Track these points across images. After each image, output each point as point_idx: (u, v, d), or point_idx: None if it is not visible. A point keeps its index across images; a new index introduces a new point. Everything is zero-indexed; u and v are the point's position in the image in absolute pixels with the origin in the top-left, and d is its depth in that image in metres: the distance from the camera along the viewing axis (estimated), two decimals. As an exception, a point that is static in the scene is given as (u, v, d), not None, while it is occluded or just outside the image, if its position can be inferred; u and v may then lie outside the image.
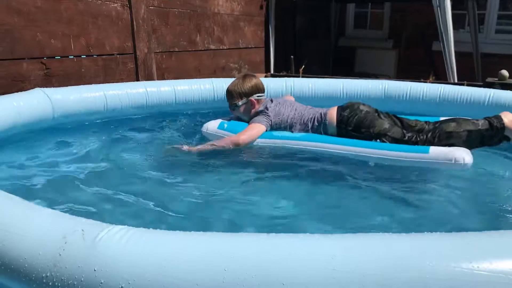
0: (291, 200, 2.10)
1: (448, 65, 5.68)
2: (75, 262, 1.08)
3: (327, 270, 1.02)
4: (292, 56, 6.14)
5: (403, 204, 2.12)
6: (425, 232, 1.15)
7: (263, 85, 3.03)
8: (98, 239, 1.10)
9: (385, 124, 2.59)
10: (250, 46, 6.17)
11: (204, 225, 1.80)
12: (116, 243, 1.09)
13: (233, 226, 1.81)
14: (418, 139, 2.51)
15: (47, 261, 1.09)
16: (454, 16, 5.64)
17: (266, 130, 2.77)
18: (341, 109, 2.72)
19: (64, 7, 3.55)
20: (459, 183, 2.36)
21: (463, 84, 4.61)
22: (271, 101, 2.93)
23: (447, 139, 2.46)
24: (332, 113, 2.73)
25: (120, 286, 1.04)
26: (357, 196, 2.19)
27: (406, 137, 2.53)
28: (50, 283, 1.08)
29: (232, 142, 2.64)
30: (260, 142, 2.74)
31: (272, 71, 6.46)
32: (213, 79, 3.96)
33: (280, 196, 2.15)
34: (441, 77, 5.99)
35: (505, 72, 4.89)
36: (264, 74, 5.85)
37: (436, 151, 2.39)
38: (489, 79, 5.06)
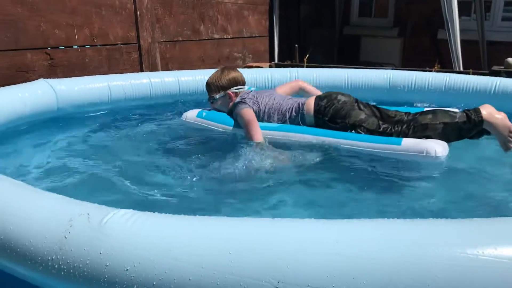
0: (263, 192, 2.05)
1: (453, 54, 5.64)
2: (80, 245, 1.09)
3: (332, 254, 1.03)
4: (296, 45, 6.11)
5: (378, 193, 2.11)
6: (429, 218, 1.15)
7: (242, 78, 2.98)
8: (104, 223, 1.11)
9: (361, 115, 2.54)
10: (254, 35, 6.15)
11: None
12: (122, 226, 1.10)
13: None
14: (393, 130, 2.45)
15: (53, 244, 1.10)
16: (459, 4, 5.59)
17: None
18: (318, 99, 2.67)
19: (67, -4, 3.55)
20: (432, 173, 2.35)
21: (468, 73, 4.59)
22: (248, 93, 2.90)
23: (422, 131, 2.39)
24: (310, 103, 2.68)
25: (126, 269, 1.05)
26: (338, 187, 2.18)
27: (381, 128, 2.47)
28: (56, 266, 1.09)
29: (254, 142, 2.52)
30: (237, 131, 2.73)
31: (276, 60, 6.44)
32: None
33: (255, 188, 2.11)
34: (447, 66, 5.94)
35: (511, 60, 4.85)
36: (268, 63, 5.83)
37: (408, 143, 2.34)
38: (495, 67, 5.03)
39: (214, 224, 1.12)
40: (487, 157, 2.58)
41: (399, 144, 2.36)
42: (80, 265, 1.08)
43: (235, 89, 2.91)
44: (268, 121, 2.75)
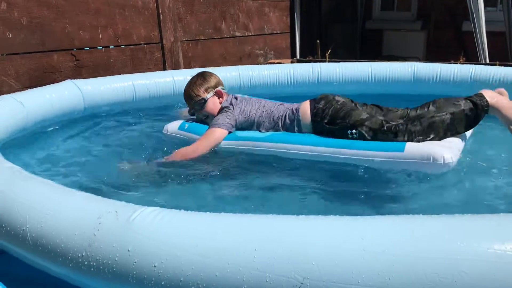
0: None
1: (479, 46, 5.52)
2: (109, 242, 1.11)
3: (357, 251, 1.02)
4: (318, 41, 6.08)
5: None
6: (456, 214, 1.14)
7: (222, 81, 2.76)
8: (132, 220, 1.14)
9: (363, 114, 2.29)
10: (275, 32, 6.14)
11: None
12: (149, 223, 1.12)
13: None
14: (398, 129, 2.21)
15: (82, 241, 1.13)
16: (485, -5, 5.47)
17: (230, 132, 2.44)
18: (314, 102, 2.43)
19: (91, -2, 3.61)
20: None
21: (495, 65, 4.48)
22: (236, 98, 2.60)
23: (429, 127, 2.18)
24: (305, 107, 2.43)
25: (153, 265, 1.07)
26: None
27: (385, 127, 2.22)
28: (85, 262, 1.12)
29: (185, 156, 2.31)
30: (223, 144, 2.42)
31: (298, 57, 6.41)
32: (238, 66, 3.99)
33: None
34: (472, 59, 5.82)
35: (540, 51, 4.72)
36: (290, 60, 5.81)
37: (411, 149, 2.11)
38: (523, 59, 4.90)
39: (239, 221, 1.13)
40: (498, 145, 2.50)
41: (402, 150, 2.12)
42: (109, 262, 1.10)
43: (222, 88, 2.67)
44: (258, 130, 2.49)
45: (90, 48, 3.68)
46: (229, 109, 2.49)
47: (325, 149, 2.25)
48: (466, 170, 2.17)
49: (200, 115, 2.63)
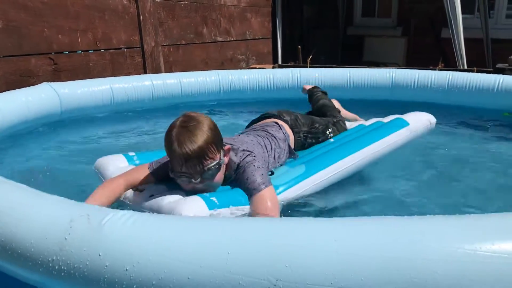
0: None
1: (457, 52, 5.63)
2: (80, 246, 1.10)
3: (330, 252, 1.03)
4: (299, 46, 6.12)
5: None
6: (427, 215, 1.15)
7: None
8: (103, 223, 1.12)
9: (317, 121, 2.47)
10: (257, 37, 6.16)
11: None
12: (121, 227, 1.11)
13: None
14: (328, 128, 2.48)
15: (53, 245, 1.11)
16: (463, 2, 5.57)
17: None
18: (283, 121, 2.30)
19: (70, 2, 3.58)
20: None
21: (472, 71, 4.56)
22: (236, 148, 1.90)
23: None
24: (284, 126, 2.27)
25: (125, 269, 1.05)
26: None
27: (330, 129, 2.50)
28: (56, 267, 1.10)
29: None
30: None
31: (280, 62, 6.44)
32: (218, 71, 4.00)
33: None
34: (451, 64, 5.92)
35: (515, 58, 4.83)
36: (271, 65, 5.84)
37: (412, 120, 2.46)
38: (499, 65, 5.00)
39: (213, 224, 1.13)
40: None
41: (407, 124, 2.40)
42: (81, 266, 1.08)
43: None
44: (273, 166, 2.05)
45: (69, 52, 3.64)
46: (254, 162, 1.81)
47: (351, 159, 2.13)
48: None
49: (202, 186, 1.70)
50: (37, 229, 1.16)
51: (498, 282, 0.99)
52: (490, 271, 0.99)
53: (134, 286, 1.05)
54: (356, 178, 2.19)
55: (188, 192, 1.68)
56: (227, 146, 1.78)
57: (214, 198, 1.62)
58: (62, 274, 1.10)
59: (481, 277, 0.99)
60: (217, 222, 1.15)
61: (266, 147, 2.03)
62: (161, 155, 1.92)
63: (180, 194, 1.67)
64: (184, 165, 1.62)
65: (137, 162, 1.95)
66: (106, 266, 1.06)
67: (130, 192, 1.74)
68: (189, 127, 1.64)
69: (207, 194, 1.65)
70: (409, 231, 1.08)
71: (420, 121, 2.52)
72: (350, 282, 0.99)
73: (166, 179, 1.77)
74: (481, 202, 2.03)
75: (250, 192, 1.70)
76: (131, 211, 1.17)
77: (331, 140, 2.42)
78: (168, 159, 1.72)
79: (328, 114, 2.63)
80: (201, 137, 1.63)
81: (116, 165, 1.91)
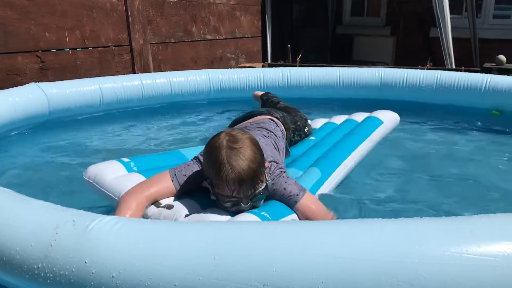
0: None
1: (445, 51, 5.67)
2: (66, 252, 1.08)
3: (318, 256, 1.03)
4: (289, 45, 6.11)
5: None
6: (414, 217, 1.16)
7: None
8: (89, 229, 1.11)
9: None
10: (247, 36, 6.15)
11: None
12: (107, 233, 1.10)
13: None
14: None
15: (39, 252, 1.10)
16: (451, 2, 5.61)
17: None
18: (273, 115, 2.30)
19: (57, -1, 3.54)
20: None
21: (460, 70, 4.60)
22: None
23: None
24: (279, 124, 2.26)
25: (111, 276, 1.04)
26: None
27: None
28: (42, 274, 1.08)
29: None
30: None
31: (269, 60, 6.44)
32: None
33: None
34: (439, 64, 5.96)
35: (502, 57, 4.88)
36: (261, 64, 5.83)
37: (384, 118, 2.62)
38: (487, 65, 5.05)
39: (199, 230, 1.12)
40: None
41: (382, 122, 2.58)
42: (66, 273, 1.07)
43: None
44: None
45: (56, 50, 3.60)
46: (282, 170, 1.78)
47: (352, 158, 2.22)
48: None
49: (246, 207, 1.59)
50: (22, 236, 1.15)
51: (484, 284, 0.99)
52: (476, 274, 1.00)
53: (121, 293, 1.04)
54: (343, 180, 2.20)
55: (227, 209, 1.59)
56: (266, 163, 1.68)
57: (265, 213, 1.57)
58: (48, 281, 1.09)
59: (467, 279, 1.00)
60: (204, 227, 1.14)
61: (278, 148, 1.99)
62: (156, 159, 1.94)
63: (221, 213, 1.58)
64: (235, 191, 1.51)
65: (135, 168, 1.82)
66: (92, 273, 1.05)
67: (153, 209, 1.58)
68: (239, 149, 1.52)
69: (256, 210, 1.59)
70: (395, 234, 1.08)
71: (389, 119, 2.70)
72: (337, 286, 0.99)
73: (189, 191, 1.68)
74: (468, 202, 2.05)
75: (292, 203, 1.67)
76: (117, 216, 1.16)
77: (312, 138, 2.51)
78: (194, 169, 1.68)
79: (293, 114, 2.57)
80: (254, 160, 1.53)
81: (114, 174, 1.74)
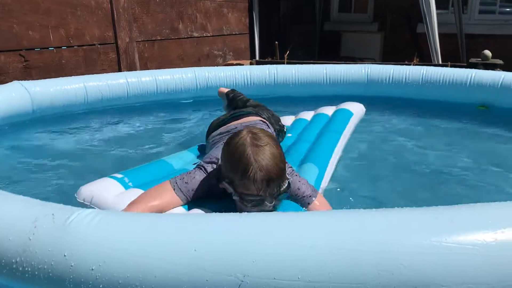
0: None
1: (432, 47, 5.70)
2: (45, 246, 1.07)
3: (297, 246, 1.03)
4: (276, 42, 6.11)
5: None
6: (395, 208, 1.16)
7: None
8: (68, 223, 1.10)
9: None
10: (234, 33, 6.14)
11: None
12: (86, 226, 1.09)
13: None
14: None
15: (17, 247, 1.09)
16: (437, -3, 5.65)
17: None
18: (263, 116, 2.30)
19: (41, -3, 3.50)
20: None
21: (447, 65, 4.63)
22: None
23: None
24: (270, 124, 2.26)
25: (91, 268, 1.04)
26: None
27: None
28: (20, 268, 1.07)
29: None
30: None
31: (257, 57, 6.43)
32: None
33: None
34: (426, 59, 5.99)
35: (488, 52, 4.92)
36: (249, 61, 5.82)
37: (353, 109, 2.77)
38: (473, 60, 5.09)
39: (179, 221, 1.12)
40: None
41: (352, 114, 2.70)
42: (45, 267, 1.06)
43: None
44: None
45: (40, 48, 3.56)
46: (292, 170, 1.77)
47: (340, 145, 2.37)
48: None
49: (270, 206, 1.54)
50: (0, 230, 1.13)
51: (464, 273, 1.00)
52: (456, 262, 1.01)
53: (101, 286, 1.03)
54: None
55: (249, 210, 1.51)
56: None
57: None
58: (27, 275, 1.08)
59: (446, 268, 1.00)
60: (184, 219, 1.14)
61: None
62: (149, 170, 1.88)
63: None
64: (262, 189, 1.45)
65: (131, 184, 1.74)
66: (71, 266, 1.05)
67: None
68: (264, 147, 1.47)
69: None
70: (375, 224, 1.09)
71: (357, 110, 2.84)
72: (317, 276, 1.00)
73: (195, 199, 1.63)
74: (453, 194, 2.07)
75: (305, 203, 1.66)
76: (96, 209, 1.16)
77: (289, 135, 2.52)
78: (197, 176, 1.63)
79: (266, 113, 2.43)
80: (280, 157, 1.50)
81: (111, 192, 1.65)
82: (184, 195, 1.59)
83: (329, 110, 2.85)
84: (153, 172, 1.87)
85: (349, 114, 2.74)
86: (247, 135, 1.51)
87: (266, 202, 1.49)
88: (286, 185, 1.53)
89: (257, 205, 1.49)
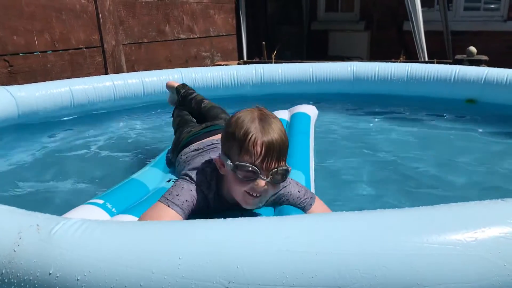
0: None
1: (418, 44, 5.75)
2: (30, 257, 1.07)
3: (281, 251, 1.04)
4: (263, 42, 6.12)
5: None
6: (376, 209, 1.18)
7: None
8: (53, 233, 1.09)
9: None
10: (221, 34, 6.13)
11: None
12: (71, 236, 1.09)
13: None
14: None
15: (1, 258, 1.08)
16: (422, -5, 5.69)
17: None
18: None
19: (25, 2, 3.47)
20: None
21: (433, 62, 4.68)
22: None
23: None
24: None
25: (76, 279, 1.04)
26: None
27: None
28: (6, 280, 1.07)
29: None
30: None
31: (245, 58, 6.44)
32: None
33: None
34: (413, 57, 6.04)
35: (473, 49, 4.98)
36: (237, 62, 5.82)
37: (311, 111, 2.78)
38: (458, 56, 5.14)
39: (162, 229, 1.12)
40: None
41: (310, 117, 2.74)
42: (31, 278, 1.06)
43: None
44: None
45: (25, 53, 3.54)
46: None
47: (311, 148, 2.37)
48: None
49: (261, 196, 1.50)
50: (-15, 242, 1.13)
51: (446, 273, 1.02)
52: (438, 263, 1.02)
53: (86, 296, 1.03)
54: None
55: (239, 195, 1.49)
56: None
57: None
58: (12, 287, 1.07)
59: (429, 269, 1.02)
60: (168, 226, 1.14)
61: None
62: (127, 192, 1.81)
63: None
64: (261, 157, 1.40)
65: (114, 211, 1.65)
66: (57, 277, 1.04)
67: None
68: (272, 120, 1.46)
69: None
70: (356, 226, 1.10)
71: (313, 113, 2.87)
72: (301, 280, 1.00)
73: (196, 211, 1.55)
74: (439, 192, 2.09)
75: (307, 206, 1.65)
76: (82, 219, 1.16)
77: None
78: (184, 185, 1.55)
79: (222, 116, 2.30)
80: (284, 135, 1.47)
81: None
82: (180, 208, 1.50)
83: (282, 114, 2.76)
84: (133, 194, 1.81)
85: (307, 117, 2.75)
86: (257, 110, 1.50)
87: (261, 177, 1.42)
88: (284, 167, 1.46)
89: (250, 179, 1.42)
